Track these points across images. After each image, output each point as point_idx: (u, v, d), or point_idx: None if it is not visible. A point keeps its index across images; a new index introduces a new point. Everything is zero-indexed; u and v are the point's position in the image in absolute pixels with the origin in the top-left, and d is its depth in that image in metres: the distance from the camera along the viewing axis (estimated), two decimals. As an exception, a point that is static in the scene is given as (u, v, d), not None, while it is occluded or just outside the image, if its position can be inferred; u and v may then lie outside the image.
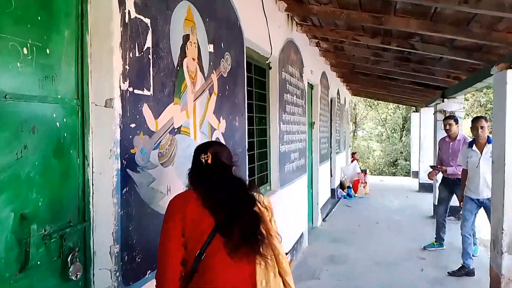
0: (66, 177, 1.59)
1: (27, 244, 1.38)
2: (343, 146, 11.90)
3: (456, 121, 5.68)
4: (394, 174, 21.13)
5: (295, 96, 5.11)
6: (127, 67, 1.76)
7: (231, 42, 2.98)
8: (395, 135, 24.87)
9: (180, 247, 1.61)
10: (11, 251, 1.35)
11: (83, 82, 1.65)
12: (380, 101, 19.63)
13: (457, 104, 7.66)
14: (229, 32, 2.95)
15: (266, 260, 1.65)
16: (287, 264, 1.77)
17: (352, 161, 12.62)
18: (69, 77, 1.60)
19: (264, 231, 1.69)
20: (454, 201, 5.55)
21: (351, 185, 10.65)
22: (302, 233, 5.77)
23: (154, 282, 1.63)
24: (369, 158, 26.27)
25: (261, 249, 1.63)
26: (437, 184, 6.37)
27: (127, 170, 1.78)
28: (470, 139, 5.05)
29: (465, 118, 19.26)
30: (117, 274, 1.73)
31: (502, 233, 3.67)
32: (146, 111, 1.92)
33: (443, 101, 7.71)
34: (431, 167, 6.00)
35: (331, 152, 9.38)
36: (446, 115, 6.73)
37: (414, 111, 13.65)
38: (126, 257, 1.79)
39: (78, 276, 1.61)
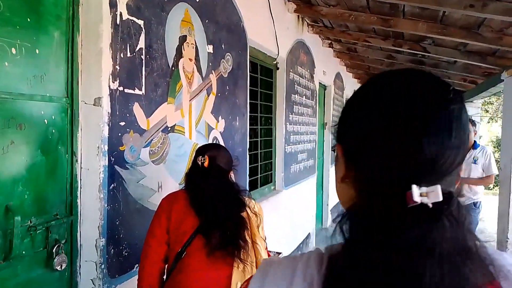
0: (54, 172, 1.66)
1: (11, 235, 1.46)
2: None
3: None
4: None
5: (304, 97, 5.11)
6: (117, 67, 1.82)
7: (232, 43, 3.02)
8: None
9: (163, 244, 1.67)
10: (-5, 241, 1.43)
11: (73, 81, 1.72)
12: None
13: (474, 109, 7.51)
14: (231, 33, 2.99)
15: (245, 264, 1.67)
16: None
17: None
18: (58, 76, 1.67)
19: (248, 237, 1.72)
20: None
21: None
22: (309, 234, 5.78)
23: (140, 275, 1.70)
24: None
25: (240, 254, 1.65)
26: None
27: (115, 166, 1.84)
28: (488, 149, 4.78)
29: (489, 122, 18.78)
30: (102, 266, 1.79)
31: (507, 241, 3.60)
32: (137, 109, 1.97)
33: (459, 105, 7.55)
34: None
35: (345, 154, 9.31)
36: None
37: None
38: (112, 250, 1.86)
39: (63, 267, 1.68)
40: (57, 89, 1.66)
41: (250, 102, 3.45)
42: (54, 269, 1.64)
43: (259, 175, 3.94)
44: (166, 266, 1.69)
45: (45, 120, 1.61)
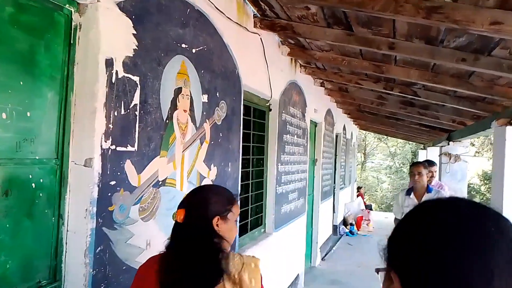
0: (39, 237, 1.59)
1: (-10, 309, 1.37)
2: (348, 181, 11.80)
3: (432, 165, 4.76)
4: (401, 210, 20.75)
5: (295, 136, 5.11)
6: (110, 125, 1.78)
7: (227, 90, 3.01)
8: (403, 169, 24.64)
9: None
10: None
11: (63, 142, 1.67)
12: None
13: (462, 148, 7.58)
14: (226, 80, 2.99)
15: None
16: None
17: (357, 196, 12.49)
18: (49, 137, 1.62)
19: None
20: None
21: (354, 222, 10.50)
22: (298, 275, 5.66)
23: None
24: (377, 191, 26.04)
25: None
26: None
27: (103, 228, 1.77)
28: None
29: (475, 155, 19.05)
30: (85, 335, 1.70)
31: None
32: (129, 167, 1.92)
33: (448, 144, 7.64)
34: None
35: (334, 188, 9.30)
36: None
37: (421, 148, 13.56)
38: (97, 317, 1.76)
39: (43, 338, 1.58)
40: (47, 150, 1.61)
41: (242, 145, 3.42)
42: None
43: (249, 219, 3.88)
44: None
45: (33, 184, 1.55)
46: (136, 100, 1.96)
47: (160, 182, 2.19)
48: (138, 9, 1.95)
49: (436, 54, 3.19)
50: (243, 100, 3.39)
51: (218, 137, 2.90)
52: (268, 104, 4.22)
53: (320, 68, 5.22)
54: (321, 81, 6.03)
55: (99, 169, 1.73)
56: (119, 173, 1.86)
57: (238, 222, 1.56)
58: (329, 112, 7.52)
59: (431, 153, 10.56)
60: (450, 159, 7.60)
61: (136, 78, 1.95)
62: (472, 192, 20.59)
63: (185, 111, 2.42)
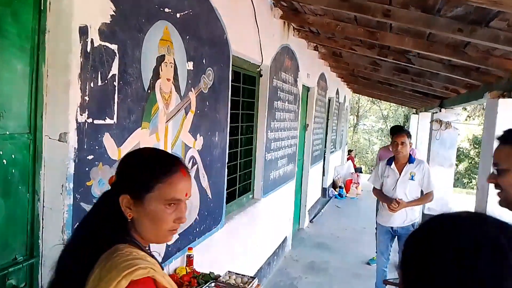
0: (13, 214, 1.55)
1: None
2: (339, 144, 11.84)
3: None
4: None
5: (287, 102, 5.03)
6: (86, 98, 1.70)
7: (214, 57, 2.90)
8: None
9: None
10: None
11: (36, 116, 1.59)
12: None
13: (454, 115, 7.56)
14: (213, 47, 2.87)
15: None
16: None
17: (347, 160, 12.59)
18: (20, 111, 1.54)
19: None
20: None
21: (343, 185, 10.64)
22: (286, 238, 5.77)
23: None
24: (368, 153, 26.30)
25: None
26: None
27: (81, 204, 1.73)
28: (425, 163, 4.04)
29: (466, 120, 19.10)
30: (65, 309, 1.70)
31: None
32: (108, 140, 1.86)
33: (440, 111, 7.60)
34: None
35: (325, 152, 9.33)
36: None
37: (414, 113, 13.54)
38: (76, 291, 1.76)
39: (21, 313, 1.58)
40: (18, 125, 1.53)
41: (231, 113, 3.34)
42: (11, 316, 1.54)
43: (237, 186, 3.87)
44: None
45: (4, 160, 1.48)
46: (115, 70, 1.86)
47: (142, 155, 2.14)
48: (115, -29, 1.82)
49: (432, 23, 3.07)
50: (232, 66, 3.28)
51: (205, 106, 2.82)
52: (258, 69, 4.10)
53: (314, 33, 5.06)
54: (315, 45, 5.87)
55: (75, 144, 1.66)
56: (97, 147, 1.79)
57: (186, 207, 1.08)
58: (322, 77, 7.39)
59: (423, 119, 10.56)
60: (441, 126, 7.59)
61: (114, 47, 1.84)
62: (461, 156, 20.88)
63: (168, 80, 2.33)
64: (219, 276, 2.63)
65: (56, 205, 1.65)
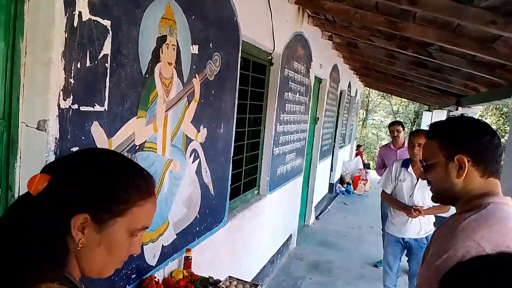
0: (-20, 212, 1.33)
1: None
2: (348, 139, 11.56)
3: (403, 127, 5.51)
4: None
5: (298, 93, 4.77)
6: (71, 80, 1.47)
7: (222, 41, 2.65)
8: (405, 129, 24.39)
9: None
10: None
11: (11, 99, 1.37)
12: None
13: (471, 115, 7.26)
14: (221, 30, 2.62)
15: None
16: None
17: (356, 155, 12.32)
18: (-9, 93, 1.32)
19: None
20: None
21: (351, 181, 10.38)
22: (291, 235, 5.56)
23: None
24: (376, 148, 25.93)
25: None
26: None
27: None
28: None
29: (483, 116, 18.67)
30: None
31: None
32: (96, 130, 1.63)
33: (457, 109, 7.30)
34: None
35: (334, 147, 9.07)
36: (393, 121, 6.05)
37: (426, 110, 13.19)
38: None
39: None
40: (-12, 109, 1.31)
41: (238, 103, 3.10)
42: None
43: (242, 181, 3.64)
44: None
45: (-31, 150, 1.26)
46: (107, 49, 1.62)
47: (137, 147, 1.91)
48: None
49: (462, 13, 2.79)
50: (241, 52, 3.03)
51: (210, 94, 2.59)
52: (269, 57, 3.85)
53: (330, 21, 4.78)
54: (330, 34, 5.58)
55: (56, 133, 1.44)
56: (83, 138, 1.57)
57: (140, 240, 0.84)
58: (335, 68, 7.11)
59: (437, 116, 10.24)
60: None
61: (106, 23, 1.60)
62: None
63: (170, 64, 2.09)
64: (219, 281, 2.42)
65: (32, 203, 1.43)
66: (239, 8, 2.81)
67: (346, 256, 5.70)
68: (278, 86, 3.99)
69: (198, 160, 2.54)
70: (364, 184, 10.45)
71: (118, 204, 0.77)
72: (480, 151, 1.22)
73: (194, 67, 2.33)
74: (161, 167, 2.14)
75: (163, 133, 2.12)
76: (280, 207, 4.69)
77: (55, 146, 1.44)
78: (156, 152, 2.07)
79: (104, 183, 0.77)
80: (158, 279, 2.14)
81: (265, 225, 4.21)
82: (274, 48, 3.69)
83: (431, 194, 3.98)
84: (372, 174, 12.70)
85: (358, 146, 13.62)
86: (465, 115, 1.37)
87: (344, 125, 10.07)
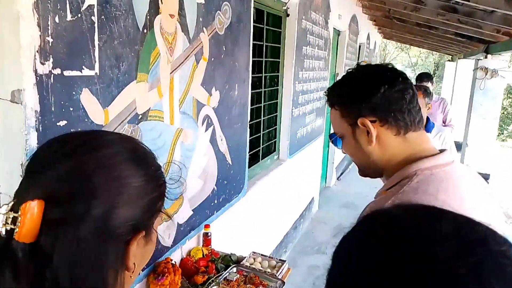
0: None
1: None
2: (367, 95, 11.09)
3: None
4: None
5: (316, 47, 4.38)
6: (49, 39, 1.18)
7: (232, -12, 2.30)
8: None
9: None
10: None
11: (-27, 64, 1.10)
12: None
13: (502, 62, 6.74)
14: (230, -25, 2.26)
15: None
16: None
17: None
18: None
19: None
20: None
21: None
22: (313, 198, 5.34)
23: None
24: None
25: None
26: None
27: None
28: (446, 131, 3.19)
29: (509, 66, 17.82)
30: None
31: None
32: (87, 98, 1.36)
33: (486, 57, 6.78)
34: None
35: (353, 104, 8.68)
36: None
37: (449, 60, 12.51)
38: None
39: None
40: None
41: (252, 61, 2.78)
42: None
43: (261, 146, 3.38)
44: None
45: None
46: (92, -1, 1.32)
47: (140, 116, 1.64)
48: None
49: None
50: (254, 2, 2.67)
51: (221, 51, 2.27)
52: (285, 8, 3.46)
53: (349, -36, 4.30)
54: (348, -20, 5.09)
55: (36, 105, 1.17)
56: (71, 109, 1.30)
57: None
58: (353, 19, 6.60)
59: (462, 66, 9.69)
60: (486, 74, 6.81)
61: (88, -35, 1.29)
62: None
63: (172, 16, 1.77)
64: (242, 258, 2.21)
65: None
66: (249, -51, 2.44)
67: (371, 218, 5.49)
68: (296, 40, 3.62)
69: (212, 127, 2.27)
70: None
71: (153, 211, 0.61)
72: (381, 106, 0.97)
73: (201, 19, 2.01)
74: (170, 138, 1.88)
75: (170, 99, 1.84)
76: (301, 171, 4.43)
77: (36, 121, 1.18)
78: (163, 121, 1.80)
79: (146, 189, 0.58)
80: (175, 262, 1.93)
81: (286, 190, 3.98)
82: (290, -3, 3.30)
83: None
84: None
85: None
86: (359, 64, 1.08)
87: (363, 80, 9.61)
